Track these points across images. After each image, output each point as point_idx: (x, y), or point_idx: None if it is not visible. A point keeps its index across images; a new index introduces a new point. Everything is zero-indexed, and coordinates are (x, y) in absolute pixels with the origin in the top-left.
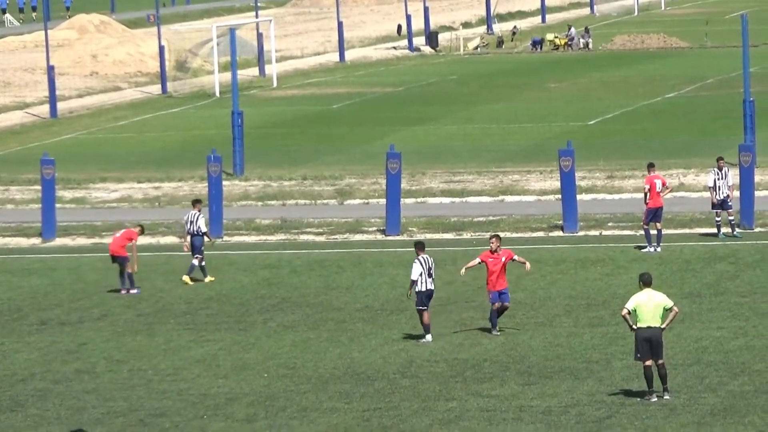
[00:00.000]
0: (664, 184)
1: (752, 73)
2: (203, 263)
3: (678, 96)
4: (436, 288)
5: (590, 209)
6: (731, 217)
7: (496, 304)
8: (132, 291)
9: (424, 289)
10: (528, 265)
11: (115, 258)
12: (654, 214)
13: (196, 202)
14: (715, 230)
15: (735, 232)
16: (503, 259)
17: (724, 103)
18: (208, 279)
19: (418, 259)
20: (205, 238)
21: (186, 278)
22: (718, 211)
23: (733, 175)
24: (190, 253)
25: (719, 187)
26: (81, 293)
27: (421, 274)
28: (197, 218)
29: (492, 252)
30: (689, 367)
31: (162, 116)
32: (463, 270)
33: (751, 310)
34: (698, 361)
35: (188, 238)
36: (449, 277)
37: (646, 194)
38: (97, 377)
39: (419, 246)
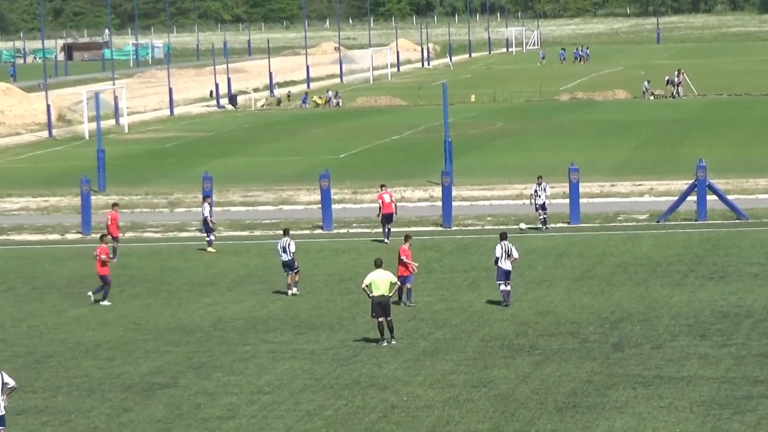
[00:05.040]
0: (391, 198)
1: (450, 123)
2: (210, 238)
3: (400, 138)
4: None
5: (341, 214)
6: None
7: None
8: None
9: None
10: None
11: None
12: (387, 219)
13: (206, 197)
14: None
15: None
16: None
17: (431, 143)
18: (211, 249)
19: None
20: (210, 223)
21: (210, 249)
22: (540, 211)
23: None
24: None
25: (539, 195)
26: None
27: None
28: (206, 209)
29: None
30: (408, 322)
31: (49, 152)
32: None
33: (450, 283)
34: (414, 318)
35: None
36: (246, 261)
37: (380, 207)
38: (5, 330)
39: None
